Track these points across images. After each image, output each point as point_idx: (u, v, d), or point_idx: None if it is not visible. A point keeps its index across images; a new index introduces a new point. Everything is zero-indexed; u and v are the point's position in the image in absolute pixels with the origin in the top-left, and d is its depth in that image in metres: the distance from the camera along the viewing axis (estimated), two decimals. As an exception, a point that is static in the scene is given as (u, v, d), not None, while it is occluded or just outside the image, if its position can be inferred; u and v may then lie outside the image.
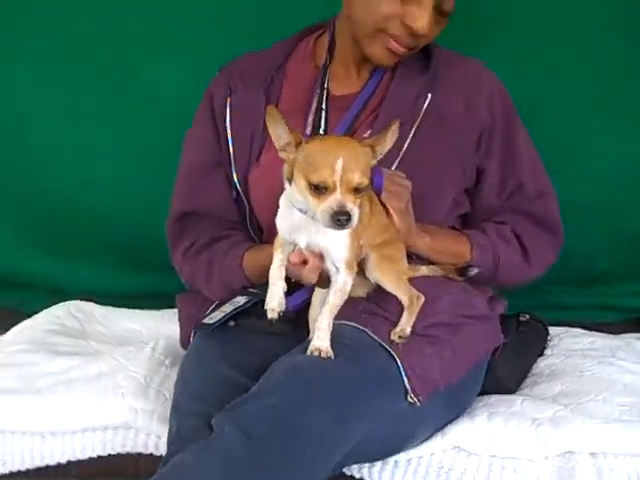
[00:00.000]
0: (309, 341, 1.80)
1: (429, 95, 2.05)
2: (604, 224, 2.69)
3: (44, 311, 2.64)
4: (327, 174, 1.61)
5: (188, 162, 2.22)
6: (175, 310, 2.45)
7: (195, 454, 1.65)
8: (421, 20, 1.96)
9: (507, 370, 2.18)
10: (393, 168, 1.97)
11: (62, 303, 2.68)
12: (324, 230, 1.71)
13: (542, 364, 2.32)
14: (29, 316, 2.64)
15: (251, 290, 2.03)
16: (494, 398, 2.09)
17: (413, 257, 2.01)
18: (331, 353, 1.75)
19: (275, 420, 1.64)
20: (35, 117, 2.84)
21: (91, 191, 2.88)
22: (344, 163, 1.61)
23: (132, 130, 2.79)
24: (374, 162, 1.72)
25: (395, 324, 1.87)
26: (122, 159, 2.84)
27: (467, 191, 2.15)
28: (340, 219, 1.61)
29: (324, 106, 2.09)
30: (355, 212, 1.63)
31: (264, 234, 2.18)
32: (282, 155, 1.71)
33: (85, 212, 2.91)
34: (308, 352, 1.75)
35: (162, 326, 2.65)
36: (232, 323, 2.04)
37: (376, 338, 1.83)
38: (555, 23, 2.55)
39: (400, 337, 1.85)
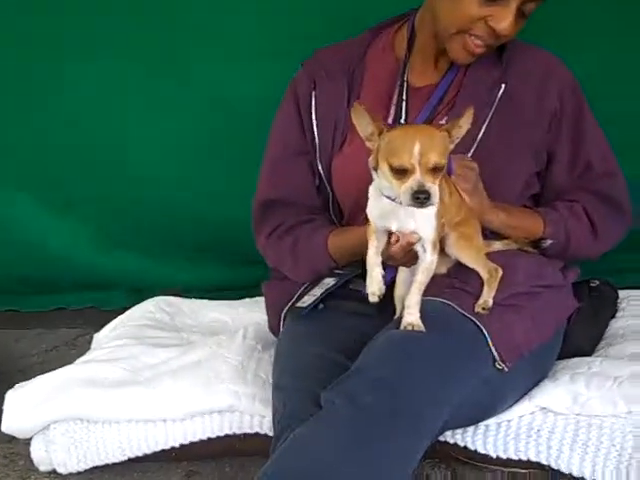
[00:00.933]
0: (399, 319, 1.90)
1: (503, 85, 2.13)
2: None
3: (135, 307, 2.76)
4: (406, 157, 1.71)
5: (274, 151, 2.30)
6: (256, 299, 2.63)
7: (311, 429, 1.75)
8: (505, 22, 2.02)
9: (583, 334, 2.27)
10: (470, 153, 2.05)
11: (151, 299, 2.80)
12: (412, 214, 1.81)
13: (615, 326, 2.40)
14: (117, 313, 2.76)
15: (338, 272, 2.12)
16: (573, 360, 2.18)
17: (487, 234, 2.08)
18: (422, 327, 1.85)
19: (384, 390, 1.74)
20: (113, 114, 2.97)
21: (171, 189, 3.00)
22: (421, 147, 1.71)
23: (212, 130, 2.93)
24: (451, 146, 1.80)
25: (477, 297, 1.96)
26: (202, 158, 2.97)
27: (538, 173, 2.21)
28: (420, 197, 1.70)
29: (404, 97, 2.16)
30: (434, 191, 1.72)
31: (345, 219, 2.27)
32: (368, 144, 1.81)
33: (164, 210, 3.04)
34: (401, 327, 1.85)
35: (246, 314, 2.75)
36: (321, 306, 2.13)
37: (462, 311, 1.92)
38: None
39: (484, 308, 1.94)
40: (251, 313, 2.73)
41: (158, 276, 3.12)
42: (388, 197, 1.85)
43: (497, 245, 2.11)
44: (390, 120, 2.17)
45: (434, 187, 1.73)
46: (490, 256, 2.02)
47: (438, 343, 1.84)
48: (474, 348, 1.90)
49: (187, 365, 2.32)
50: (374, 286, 1.87)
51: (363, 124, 1.81)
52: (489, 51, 2.12)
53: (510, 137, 2.13)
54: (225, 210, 2.65)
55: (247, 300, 2.87)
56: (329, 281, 2.13)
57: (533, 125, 2.15)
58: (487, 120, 2.10)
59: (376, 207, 1.89)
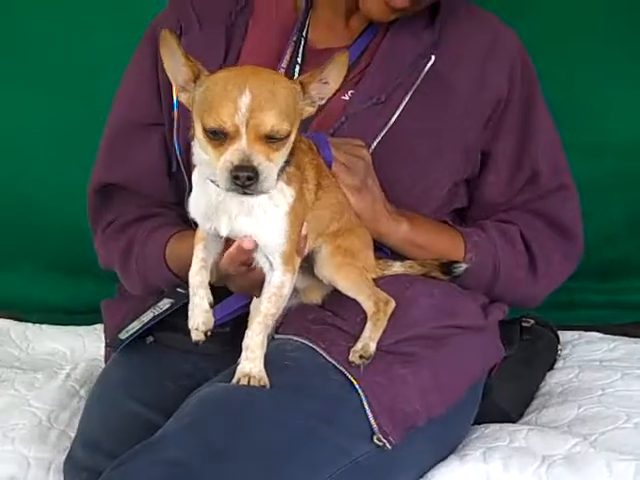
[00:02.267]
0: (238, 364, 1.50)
1: (432, 57, 1.79)
2: (622, 203, 2.46)
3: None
4: (225, 114, 1.31)
5: (115, 120, 1.93)
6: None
7: None
8: None
9: (507, 392, 1.93)
10: (374, 143, 1.75)
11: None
12: (250, 209, 1.42)
13: (552, 381, 2.06)
14: None
15: (179, 290, 1.75)
16: (491, 428, 1.83)
17: (387, 251, 1.77)
18: (265, 380, 1.45)
19: None
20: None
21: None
22: (252, 99, 1.31)
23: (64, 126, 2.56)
24: (309, 108, 1.43)
25: (356, 338, 1.58)
26: (49, 153, 2.60)
27: (467, 181, 1.91)
28: (240, 177, 1.30)
29: (299, 60, 1.84)
30: (267, 169, 1.32)
31: None
32: (182, 98, 1.41)
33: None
34: (234, 379, 1.46)
35: (92, 344, 2.40)
36: (151, 339, 1.79)
37: (329, 358, 1.54)
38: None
39: (362, 357, 1.54)
40: (100, 343, 2.30)
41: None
42: (213, 181, 1.40)
43: (396, 267, 1.75)
44: None
45: (268, 165, 1.32)
46: (381, 282, 1.66)
47: (279, 407, 1.43)
48: (340, 415, 1.50)
49: (-27, 415, 1.92)
50: (196, 317, 1.49)
51: (173, 64, 1.39)
52: (417, 9, 1.76)
53: (434, 126, 1.80)
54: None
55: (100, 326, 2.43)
56: (165, 304, 1.76)
57: (467, 112, 1.82)
58: (405, 99, 1.76)
59: (201, 199, 1.47)
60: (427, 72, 1.79)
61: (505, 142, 1.86)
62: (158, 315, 1.75)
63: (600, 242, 2.41)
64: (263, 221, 1.44)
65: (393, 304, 1.60)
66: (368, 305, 1.58)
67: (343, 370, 1.51)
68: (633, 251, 2.51)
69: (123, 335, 1.76)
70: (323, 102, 1.44)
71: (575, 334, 2.26)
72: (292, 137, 1.38)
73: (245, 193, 1.33)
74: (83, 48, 2.43)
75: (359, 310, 1.59)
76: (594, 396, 1.91)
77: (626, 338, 2.23)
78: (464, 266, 1.74)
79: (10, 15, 2.49)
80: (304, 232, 1.50)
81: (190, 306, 1.51)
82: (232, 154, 1.31)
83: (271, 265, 1.47)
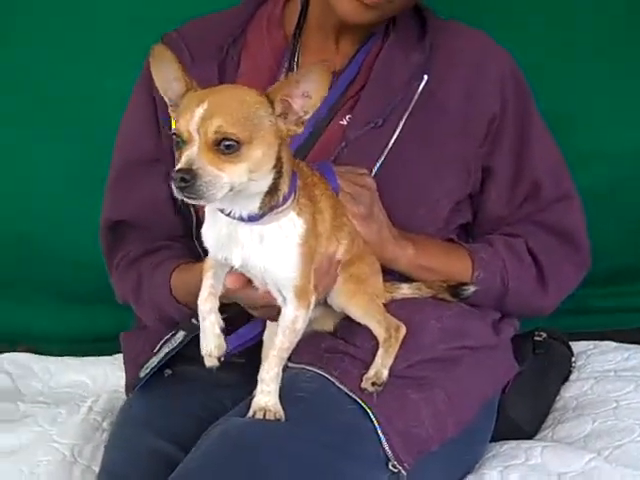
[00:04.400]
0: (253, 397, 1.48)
1: (425, 77, 1.75)
2: (624, 210, 2.38)
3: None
4: (183, 122, 1.30)
5: (120, 158, 1.91)
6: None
7: None
8: None
9: (523, 407, 1.89)
10: (376, 167, 1.71)
11: (-7, 357, 2.41)
12: (260, 239, 1.40)
13: (567, 394, 2.01)
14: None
15: (193, 321, 1.69)
16: (507, 446, 1.79)
17: (396, 274, 1.74)
18: (281, 413, 1.44)
19: None
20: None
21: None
22: (208, 108, 1.29)
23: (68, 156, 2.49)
24: (294, 128, 1.37)
25: (369, 365, 1.56)
26: (58, 183, 2.53)
27: (471, 197, 1.87)
28: (184, 178, 1.26)
29: None
30: (209, 175, 1.28)
31: None
32: (172, 113, 1.38)
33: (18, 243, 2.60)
34: (250, 413, 1.45)
35: (114, 374, 2.34)
36: (168, 372, 1.78)
37: (342, 387, 1.53)
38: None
39: (374, 384, 1.53)
40: (121, 372, 2.20)
41: (15, 324, 2.63)
42: (222, 210, 1.39)
43: (404, 290, 1.72)
44: None
45: (211, 171, 1.28)
46: (391, 308, 1.64)
47: (296, 439, 1.41)
48: (355, 443, 1.48)
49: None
50: (209, 344, 1.47)
51: (164, 78, 1.38)
52: (391, 10, 1.71)
53: (432, 147, 1.76)
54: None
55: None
56: (179, 336, 1.74)
57: (464, 130, 1.79)
58: (402, 122, 1.72)
59: (211, 229, 1.45)
60: (421, 92, 1.75)
61: (503, 157, 1.82)
62: (174, 348, 1.72)
63: (605, 249, 2.29)
64: (273, 252, 1.40)
65: (404, 330, 1.58)
66: (379, 332, 1.57)
67: (356, 398, 1.50)
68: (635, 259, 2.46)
69: (142, 373, 1.75)
70: (307, 117, 1.37)
71: (590, 344, 2.20)
72: (255, 152, 1.32)
73: (186, 197, 1.28)
74: (86, 84, 2.37)
75: (371, 337, 1.57)
76: (608, 409, 1.87)
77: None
78: (472, 288, 1.71)
79: (12, 50, 2.43)
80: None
81: (201, 332, 1.48)
82: (182, 159, 1.29)
83: (283, 298, 1.44)
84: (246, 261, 1.41)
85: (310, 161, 1.68)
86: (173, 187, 1.28)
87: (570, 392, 2.01)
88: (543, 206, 1.85)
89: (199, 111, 1.28)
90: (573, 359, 2.10)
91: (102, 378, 2.36)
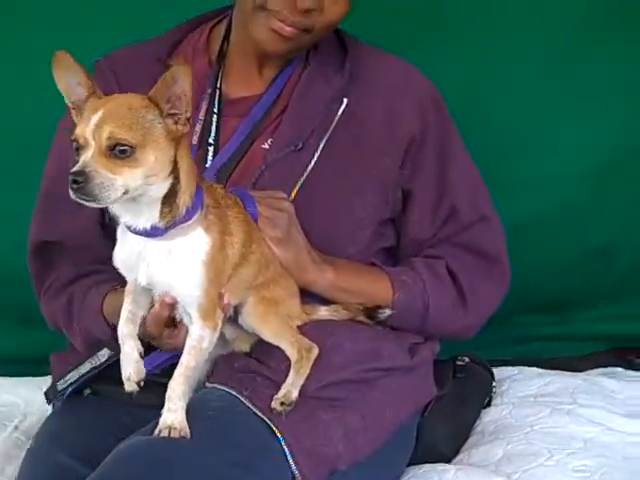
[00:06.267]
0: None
1: (344, 100, 1.77)
2: (574, 235, 2.38)
3: None
4: (79, 130, 1.36)
5: (48, 177, 1.89)
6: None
7: None
8: None
9: (442, 431, 1.90)
10: (295, 189, 1.72)
11: None
12: (167, 255, 1.42)
13: (486, 419, 2.02)
14: None
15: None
16: (424, 469, 1.80)
17: (316, 297, 1.74)
18: (187, 431, 1.43)
19: None
20: None
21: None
22: (102, 115, 1.35)
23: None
24: (173, 126, 1.39)
25: (280, 386, 1.56)
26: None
27: (393, 221, 1.88)
28: (76, 180, 1.31)
29: (216, 110, 1.81)
30: (101, 178, 1.32)
31: None
32: (75, 118, 1.41)
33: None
34: (156, 431, 1.44)
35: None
36: (88, 391, 1.77)
37: (250, 406, 1.52)
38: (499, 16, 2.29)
39: (283, 404, 1.53)
40: None
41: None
42: (129, 229, 1.42)
43: (322, 312, 1.73)
44: (195, 140, 1.77)
45: (104, 174, 1.33)
46: (307, 329, 1.64)
47: (199, 456, 1.39)
48: (263, 461, 1.48)
49: None
50: (127, 369, 1.47)
51: (67, 82, 1.41)
52: (310, 40, 1.74)
53: (352, 169, 1.78)
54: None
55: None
56: (102, 355, 1.72)
57: (383, 153, 1.81)
58: (321, 145, 1.75)
59: (122, 249, 1.48)
60: (341, 115, 1.77)
61: (423, 180, 1.83)
62: (96, 367, 1.71)
63: (547, 279, 2.36)
64: (178, 267, 1.42)
65: (316, 350, 1.58)
66: (291, 352, 1.57)
67: (264, 418, 1.49)
68: (584, 284, 2.45)
69: (61, 385, 1.74)
70: (189, 115, 1.40)
71: (515, 369, 2.22)
72: (149, 155, 1.36)
73: (79, 198, 1.32)
74: (29, 102, 2.33)
75: (285, 358, 1.57)
76: (522, 433, 1.88)
77: (563, 372, 2.19)
78: (388, 312, 1.71)
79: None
80: (225, 299, 1.48)
81: (121, 357, 1.49)
82: (77, 163, 1.33)
83: (189, 317, 1.45)
84: (151, 278, 1.43)
85: (231, 184, 1.70)
86: (69, 190, 1.31)
87: (489, 416, 2.01)
88: (462, 228, 1.86)
89: (94, 118, 1.33)
90: (494, 384, 2.09)
91: (34, 399, 2.26)
